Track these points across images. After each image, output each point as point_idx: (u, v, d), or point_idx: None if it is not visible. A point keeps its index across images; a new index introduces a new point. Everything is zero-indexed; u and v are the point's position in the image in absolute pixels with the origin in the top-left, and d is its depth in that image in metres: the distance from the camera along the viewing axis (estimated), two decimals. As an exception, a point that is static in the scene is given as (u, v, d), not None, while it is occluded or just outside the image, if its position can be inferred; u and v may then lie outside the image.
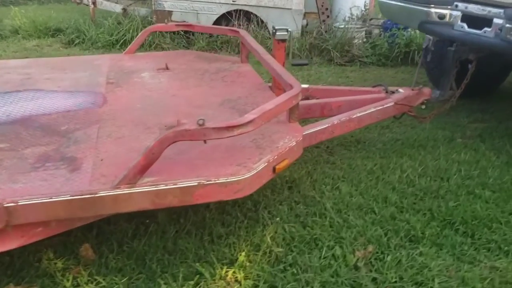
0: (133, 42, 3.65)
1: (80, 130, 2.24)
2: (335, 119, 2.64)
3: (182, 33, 6.45)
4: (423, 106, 3.23)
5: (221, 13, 6.42)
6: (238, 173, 1.83)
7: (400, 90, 3.05)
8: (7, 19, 7.07)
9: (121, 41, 6.26)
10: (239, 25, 6.28)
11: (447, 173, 2.99)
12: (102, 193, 1.72)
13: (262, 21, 6.43)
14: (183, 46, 6.33)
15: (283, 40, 2.67)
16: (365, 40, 6.18)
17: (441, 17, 3.25)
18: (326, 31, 6.20)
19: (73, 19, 6.91)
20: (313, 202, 2.62)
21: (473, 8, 3.13)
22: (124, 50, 6.10)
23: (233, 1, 6.36)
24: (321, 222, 2.42)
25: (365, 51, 5.86)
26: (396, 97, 2.94)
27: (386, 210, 2.55)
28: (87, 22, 6.74)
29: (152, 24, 6.56)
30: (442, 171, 3.03)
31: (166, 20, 6.56)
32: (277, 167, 2.01)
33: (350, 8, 6.44)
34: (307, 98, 3.18)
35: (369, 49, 5.96)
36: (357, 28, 6.09)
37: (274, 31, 2.67)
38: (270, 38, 6.23)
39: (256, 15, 6.40)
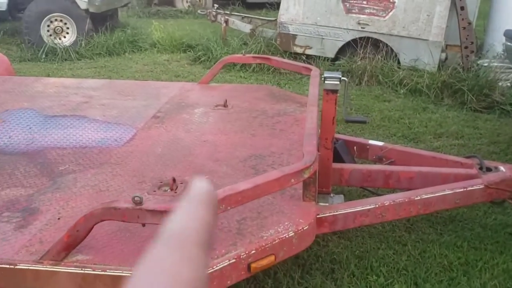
0: (207, 72, 3.42)
1: (73, 173, 2.04)
2: (387, 199, 2.03)
3: (304, 57, 6.10)
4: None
5: (347, 40, 5.91)
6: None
7: (501, 167, 2.25)
8: (149, 32, 7.51)
9: (241, 63, 6.15)
10: (366, 54, 5.69)
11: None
12: (21, 266, 1.47)
13: (392, 51, 5.73)
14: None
15: (334, 91, 2.14)
16: (513, 84, 5.08)
17: None
18: (465, 69, 5.25)
19: (205, 37, 7.04)
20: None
21: None
22: (243, 73, 6.06)
23: (362, 27, 5.79)
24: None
25: (510, 97, 4.78)
26: (489, 178, 2.17)
27: None
28: (217, 41, 6.79)
29: (276, 47, 6.36)
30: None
31: (290, 43, 6.35)
32: (253, 265, 1.53)
33: (504, 44, 5.36)
34: (380, 159, 2.57)
35: (517, 95, 4.86)
36: (506, 68, 5.02)
37: (323, 78, 2.16)
38: (398, 69, 5.52)
39: (386, 44, 5.73)
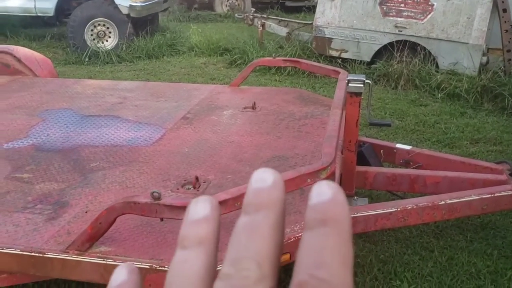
0: (238, 75, 3.48)
1: (103, 170, 2.13)
2: (409, 203, 2.01)
3: (340, 61, 6.08)
4: None
5: (384, 43, 5.83)
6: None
7: (533, 173, 2.19)
8: (188, 36, 7.67)
9: (276, 66, 6.19)
10: (402, 57, 5.60)
11: None
12: (49, 254, 1.56)
13: (430, 54, 5.62)
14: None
15: (358, 94, 2.14)
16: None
17: None
18: (506, 73, 5.09)
19: (242, 40, 7.12)
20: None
21: None
22: (278, 76, 6.10)
23: (399, 30, 5.72)
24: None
25: (554, 103, 4.60)
26: (519, 184, 2.11)
27: None
28: (253, 44, 6.86)
29: (311, 50, 6.37)
30: None
31: (326, 47, 6.34)
32: (268, 263, 1.56)
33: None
34: (407, 164, 2.55)
35: None
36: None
37: (347, 81, 2.16)
38: (436, 73, 5.41)
39: (424, 48, 5.62)
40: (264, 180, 0.32)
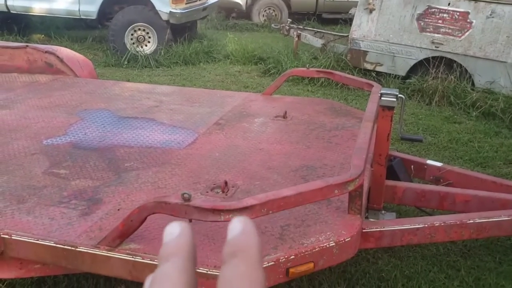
0: (272, 84, 3.52)
1: (137, 170, 2.20)
2: (437, 220, 2.00)
3: (374, 74, 6.06)
4: None
5: (420, 58, 5.79)
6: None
7: None
8: (224, 44, 7.78)
9: (309, 77, 6.21)
10: (438, 73, 5.54)
11: None
12: (81, 248, 1.63)
13: (466, 71, 5.54)
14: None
15: (390, 108, 2.14)
16: None
17: None
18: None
19: (277, 50, 7.18)
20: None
21: None
22: (311, 87, 6.12)
23: (435, 46, 5.66)
24: None
25: None
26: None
27: None
28: (288, 54, 6.91)
29: (345, 62, 6.36)
30: None
31: (361, 60, 6.32)
32: (291, 270, 1.59)
33: None
34: (437, 181, 2.53)
35: None
36: None
37: (380, 94, 2.17)
38: (472, 90, 5.32)
39: (460, 65, 5.55)
40: (171, 233, 0.36)
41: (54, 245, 1.65)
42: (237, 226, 0.35)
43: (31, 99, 3.17)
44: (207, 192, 1.99)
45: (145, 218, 1.56)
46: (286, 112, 2.97)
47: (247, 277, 0.32)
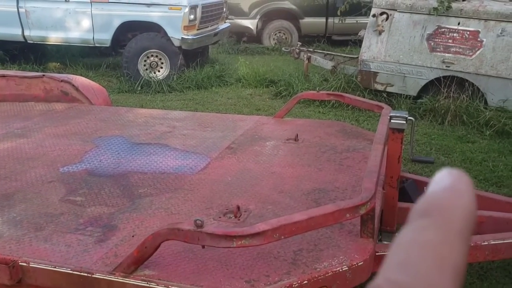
0: (283, 107, 3.56)
1: (150, 196, 2.23)
2: (451, 242, 1.98)
3: (385, 95, 6.08)
4: None
5: (430, 78, 5.80)
6: (238, 293, 1.51)
7: None
8: (236, 68, 7.89)
9: (319, 100, 6.25)
10: (450, 93, 5.54)
11: None
12: (97, 275, 1.65)
13: (478, 90, 5.53)
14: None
15: (400, 130, 2.16)
16: None
17: None
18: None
19: (288, 73, 7.26)
20: None
21: None
22: (322, 108, 6.15)
23: (446, 66, 5.67)
24: None
25: None
26: None
27: None
28: (299, 77, 6.98)
29: (356, 83, 6.40)
30: None
31: (371, 81, 6.35)
32: (304, 295, 1.59)
33: None
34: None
35: None
36: None
37: (389, 117, 2.19)
38: (485, 109, 5.31)
39: (472, 84, 5.55)
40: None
41: (71, 272, 1.67)
42: (445, 179, 0.26)
43: (48, 127, 3.25)
44: (220, 217, 2.01)
45: (159, 245, 1.58)
46: (297, 135, 3.00)
47: (435, 248, 0.22)
